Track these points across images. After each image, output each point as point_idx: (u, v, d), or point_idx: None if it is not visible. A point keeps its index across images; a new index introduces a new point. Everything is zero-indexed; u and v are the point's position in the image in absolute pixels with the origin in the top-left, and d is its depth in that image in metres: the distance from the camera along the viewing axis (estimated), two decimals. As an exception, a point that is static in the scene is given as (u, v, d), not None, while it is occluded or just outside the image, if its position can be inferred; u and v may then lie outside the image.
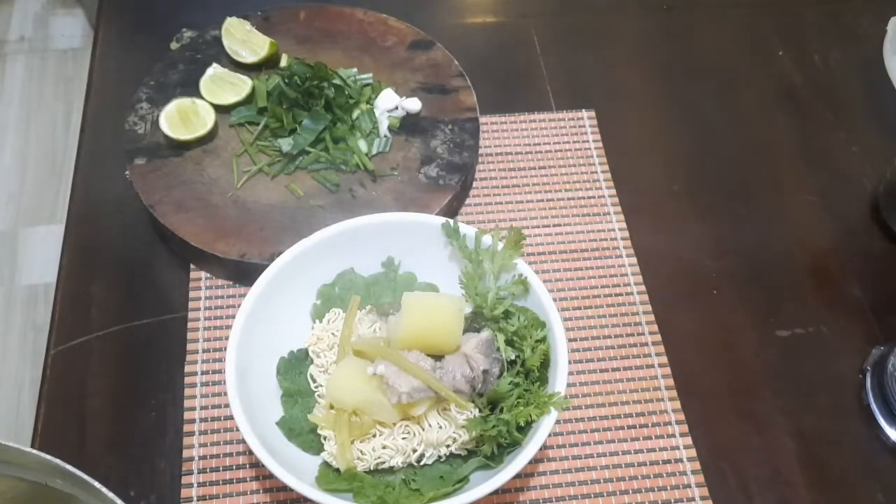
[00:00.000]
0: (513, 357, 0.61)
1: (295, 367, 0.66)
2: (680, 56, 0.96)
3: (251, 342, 0.62)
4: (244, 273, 0.72)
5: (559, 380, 0.59)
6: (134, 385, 0.69)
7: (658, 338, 0.73)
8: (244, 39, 0.85)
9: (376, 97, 0.82)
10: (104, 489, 0.47)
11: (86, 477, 0.47)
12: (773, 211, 0.83)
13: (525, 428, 0.59)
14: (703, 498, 0.65)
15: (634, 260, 0.78)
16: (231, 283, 0.74)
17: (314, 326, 0.67)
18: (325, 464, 0.61)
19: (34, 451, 0.48)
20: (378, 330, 0.65)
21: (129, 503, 0.63)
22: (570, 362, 0.61)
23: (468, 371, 0.60)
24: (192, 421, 0.67)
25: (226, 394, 0.58)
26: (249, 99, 0.82)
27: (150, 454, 0.65)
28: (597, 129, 0.87)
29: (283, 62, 0.84)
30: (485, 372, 0.61)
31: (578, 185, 0.83)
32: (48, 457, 0.48)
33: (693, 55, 0.96)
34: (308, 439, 0.62)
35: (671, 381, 0.71)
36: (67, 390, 0.68)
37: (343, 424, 0.60)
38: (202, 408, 0.67)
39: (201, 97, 0.81)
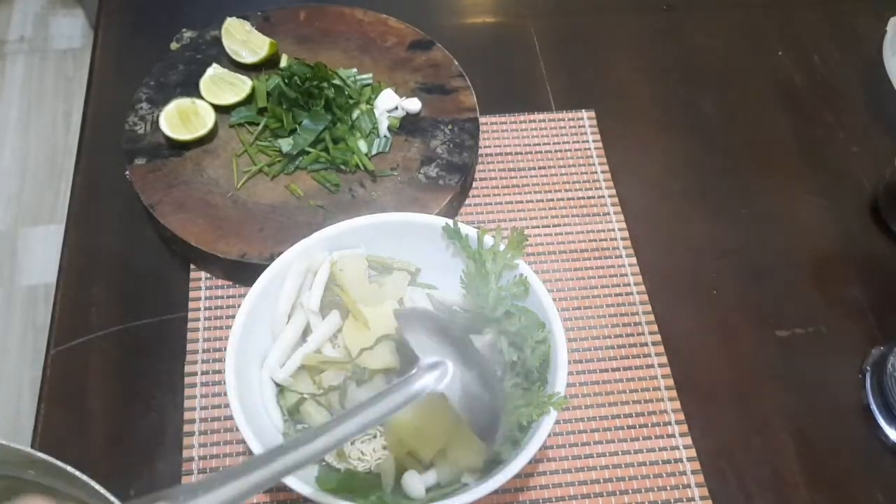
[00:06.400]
0: (514, 359, 0.61)
1: (295, 367, 0.65)
2: (680, 56, 0.96)
3: (251, 342, 0.62)
4: (244, 273, 0.72)
5: (559, 380, 0.59)
6: (134, 385, 0.69)
7: (658, 338, 0.73)
8: (244, 40, 0.85)
9: (376, 97, 0.81)
10: (77, 472, 0.46)
11: (57, 462, 0.46)
12: (773, 211, 0.83)
13: (525, 428, 0.59)
14: (702, 498, 0.65)
15: (634, 260, 0.78)
16: (231, 283, 0.74)
17: (314, 326, 0.67)
18: (326, 464, 0.61)
19: None
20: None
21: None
22: (569, 362, 0.61)
23: (469, 371, 0.60)
24: (192, 421, 0.67)
25: (226, 394, 0.58)
26: (249, 99, 0.82)
27: (150, 454, 0.65)
28: (597, 129, 0.87)
29: (283, 62, 0.84)
30: (486, 373, 0.60)
31: (578, 185, 0.83)
32: (15, 445, 0.47)
33: (693, 55, 0.96)
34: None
35: (671, 381, 0.71)
36: (67, 390, 0.68)
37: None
38: (202, 408, 0.67)
39: (201, 97, 0.81)
